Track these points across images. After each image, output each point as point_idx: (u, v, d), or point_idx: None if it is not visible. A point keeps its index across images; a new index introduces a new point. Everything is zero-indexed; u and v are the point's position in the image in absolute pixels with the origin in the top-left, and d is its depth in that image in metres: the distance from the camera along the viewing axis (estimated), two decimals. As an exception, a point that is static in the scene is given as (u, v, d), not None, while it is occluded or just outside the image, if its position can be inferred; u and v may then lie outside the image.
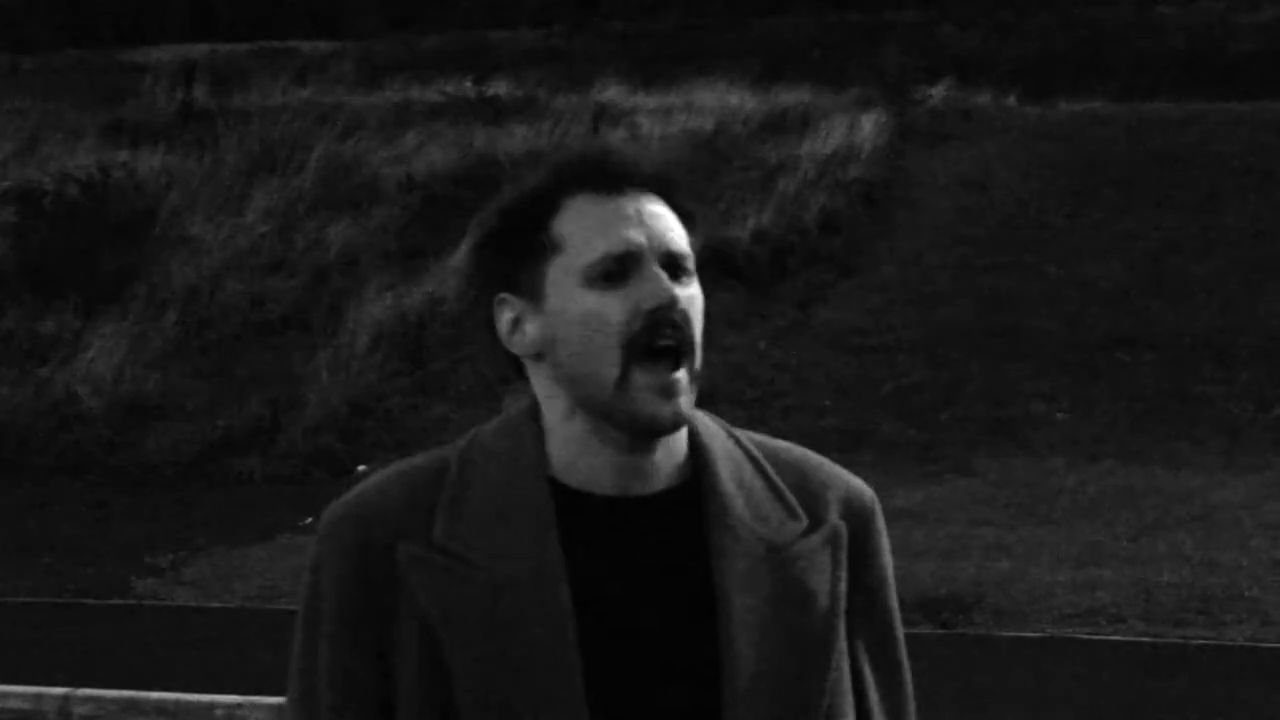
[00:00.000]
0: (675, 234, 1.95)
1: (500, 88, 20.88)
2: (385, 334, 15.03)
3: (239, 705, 7.70)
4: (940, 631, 8.86)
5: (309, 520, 12.00)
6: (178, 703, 7.80)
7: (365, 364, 14.67)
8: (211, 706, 7.74)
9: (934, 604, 9.22)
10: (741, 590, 1.92)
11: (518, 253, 1.97)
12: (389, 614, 1.91)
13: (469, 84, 20.77)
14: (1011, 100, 20.50)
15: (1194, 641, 8.83)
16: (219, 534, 11.77)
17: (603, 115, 19.07)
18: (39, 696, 7.90)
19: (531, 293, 1.96)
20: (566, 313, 1.93)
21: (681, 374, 1.92)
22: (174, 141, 19.00)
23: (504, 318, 1.99)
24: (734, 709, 1.90)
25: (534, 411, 1.99)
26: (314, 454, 13.70)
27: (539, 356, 1.97)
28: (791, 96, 19.83)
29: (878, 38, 26.26)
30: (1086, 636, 8.94)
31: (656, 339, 1.90)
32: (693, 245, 1.97)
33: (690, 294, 1.94)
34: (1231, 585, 9.61)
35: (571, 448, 1.95)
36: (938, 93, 19.99)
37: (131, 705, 7.79)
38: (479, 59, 24.24)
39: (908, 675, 2.09)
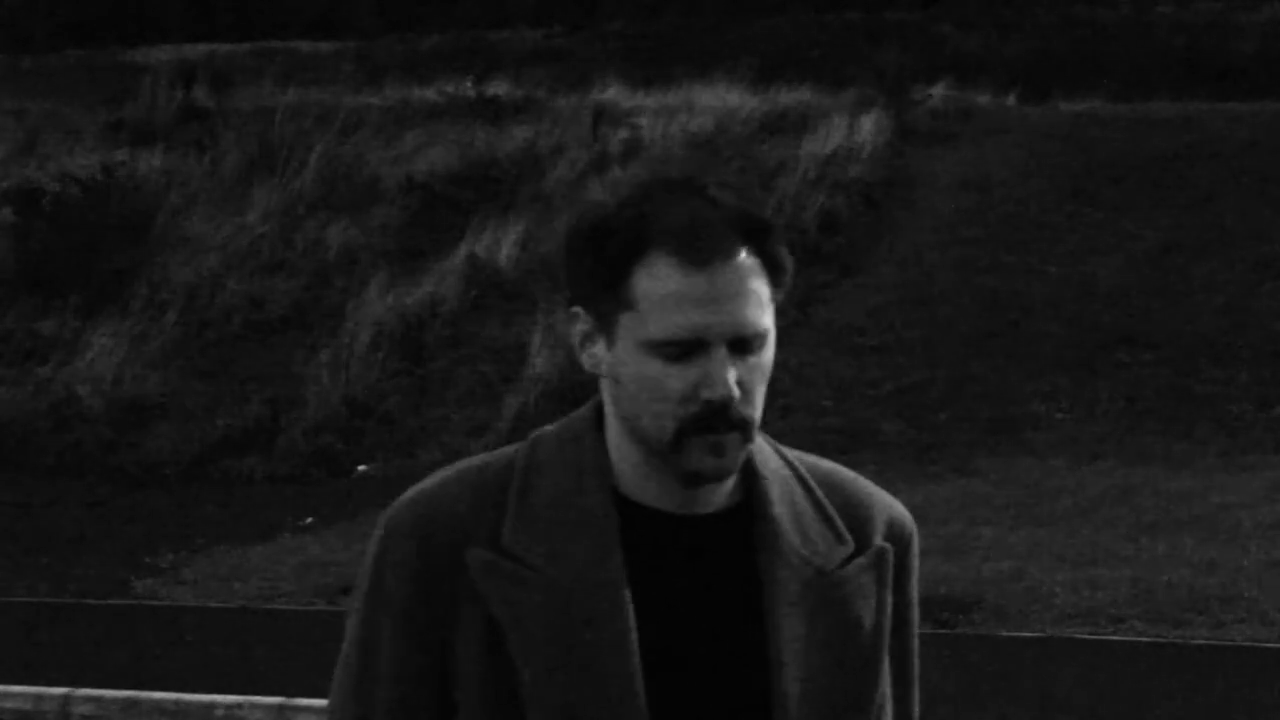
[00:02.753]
0: (750, 314, 1.92)
1: (500, 88, 20.89)
2: (385, 334, 15.03)
3: (239, 705, 7.71)
4: (940, 631, 8.86)
5: (309, 520, 12.01)
6: (178, 703, 7.81)
7: (365, 364, 14.67)
8: (211, 706, 7.75)
9: (934, 604, 9.21)
10: (790, 615, 1.97)
11: (597, 284, 1.95)
12: (453, 615, 1.93)
13: (469, 84, 20.78)
14: (1011, 100, 20.50)
15: (1194, 641, 8.83)
16: (219, 534, 11.76)
17: (603, 115, 19.08)
18: (39, 696, 7.90)
19: (603, 326, 1.96)
20: (629, 366, 1.94)
21: (734, 435, 1.94)
22: (174, 141, 19.00)
23: (577, 330, 2.00)
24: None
25: (597, 419, 2.02)
26: (314, 454, 13.70)
27: (605, 378, 2.00)
28: (791, 96, 19.83)
29: (878, 38, 26.27)
30: (1086, 636, 8.94)
31: (709, 430, 1.92)
32: (778, 296, 1.97)
33: (754, 364, 1.94)
34: (1231, 585, 9.61)
35: (632, 463, 1.98)
36: (938, 93, 19.99)
37: (131, 705, 7.80)
38: (479, 59, 24.23)
39: (918, 694, 2.16)
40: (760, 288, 1.94)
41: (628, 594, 1.92)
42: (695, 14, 29.15)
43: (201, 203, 17.46)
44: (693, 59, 23.01)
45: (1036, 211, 16.61)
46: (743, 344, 1.93)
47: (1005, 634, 8.98)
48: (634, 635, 1.91)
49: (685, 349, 1.91)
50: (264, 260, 16.66)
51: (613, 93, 20.78)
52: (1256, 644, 8.79)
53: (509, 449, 2.03)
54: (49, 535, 11.97)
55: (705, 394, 1.91)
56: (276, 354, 15.24)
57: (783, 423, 13.12)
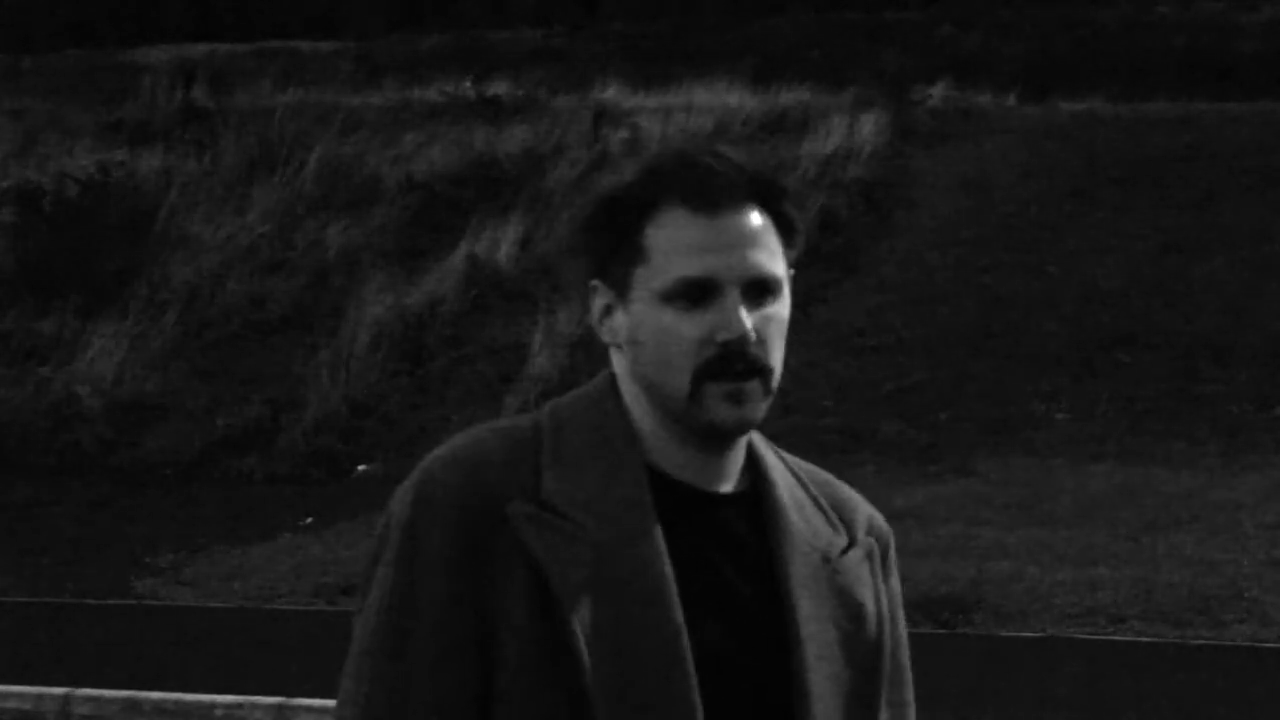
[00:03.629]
0: (762, 258, 1.95)
1: (500, 88, 20.90)
2: (385, 334, 15.03)
3: (239, 705, 7.71)
4: (940, 631, 8.86)
5: (309, 520, 12.01)
6: (178, 703, 7.81)
7: (365, 364, 14.67)
8: (211, 706, 7.75)
9: (934, 604, 9.22)
10: (803, 595, 2.00)
11: (611, 248, 1.99)
12: (495, 571, 1.92)
13: (469, 84, 20.79)
14: (1011, 100, 20.51)
15: (1194, 641, 8.83)
16: (219, 534, 11.76)
17: (603, 115, 19.08)
18: (39, 696, 7.90)
19: (619, 289, 1.99)
20: (645, 322, 1.96)
21: (753, 383, 1.95)
22: (173, 141, 19.00)
23: (596, 303, 2.02)
24: (806, 708, 1.97)
25: (614, 389, 2.03)
26: (314, 454, 13.70)
27: (622, 346, 2.01)
28: (791, 96, 19.84)
29: (878, 38, 26.29)
30: (1086, 636, 8.94)
31: (727, 370, 1.94)
32: (789, 255, 1.99)
33: (770, 314, 1.96)
34: (1231, 585, 9.61)
35: (653, 430, 2.00)
36: (937, 93, 20.00)
37: (131, 705, 7.80)
38: (479, 59, 24.25)
39: (910, 694, 2.16)
40: (771, 240, 1.97)
41: (665, 551, 1.93)
42: (695, 14, 29.16)
43: (201, 203, 17.46)
44: (693, 59, 23.03)
45: (1036, 211, 16.60)
46: (757, 289, 1.95)
47: (1005, 634, 8.98)
48: (674, 587, 1.92)
49: (699, 292, 1.93)
50: (264, 260, 16.66)
51: (613, 93, 20.79)
52: (1256, 644, 8.79)
53: (526, 415, 2.04)
54: (49, 535, 11.97)
55: (721, 335, 1.93)
56: (276, 354, 15.23)
57: (783, 423, 13.11)
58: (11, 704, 7.83)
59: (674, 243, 1.94)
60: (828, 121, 18.33)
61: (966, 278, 15.56)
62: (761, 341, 1.95)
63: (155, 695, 7.86)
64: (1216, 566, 9.97)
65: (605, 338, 2.02)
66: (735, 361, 1.93)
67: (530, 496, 1.93)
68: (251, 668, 8.45)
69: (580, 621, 1.89)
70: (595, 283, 2.01)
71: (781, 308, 1.98)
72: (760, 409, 1.97)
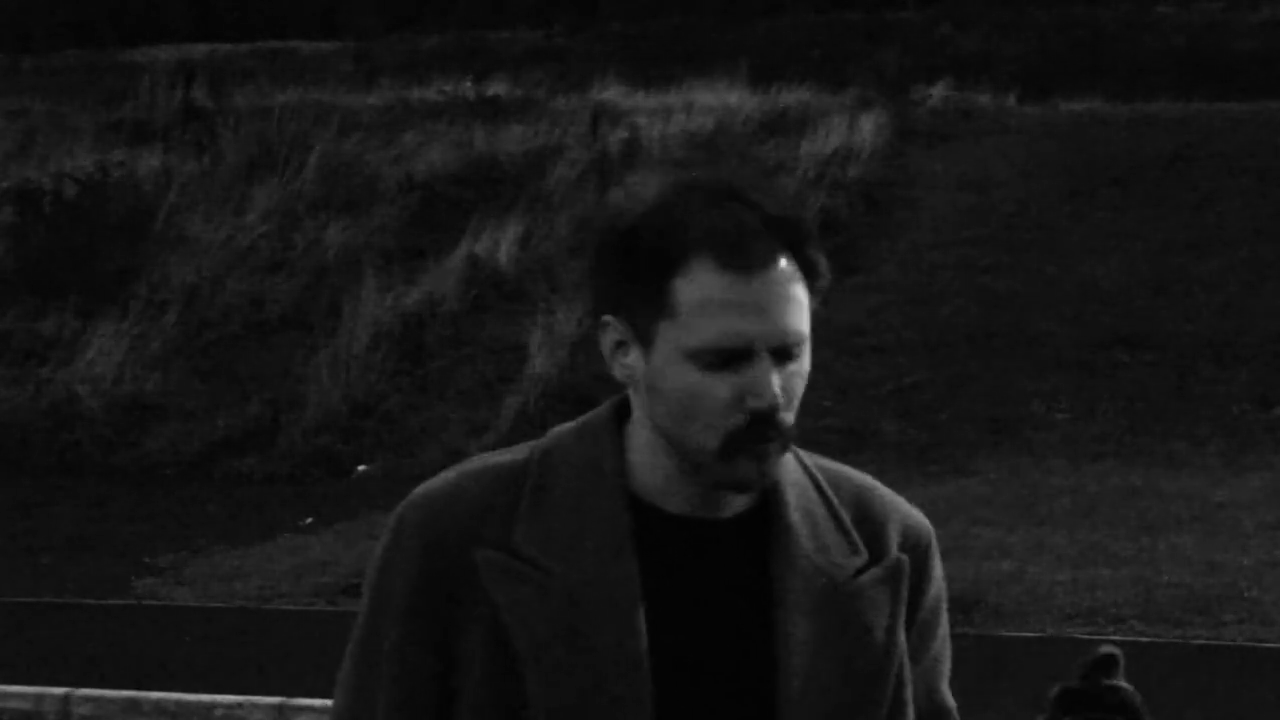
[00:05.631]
0: (792, 321, 1.91)
1: (500, 88, 20.89)
2: (385, 334, 15.03)
3: (239, 705, 7.71)
4: (940, 631, 8.85)
5: (309, 520, 12.01)
6: (178, 703, 7.81)
7: (365, 364, 14.67)
8: (211, 706, 7.75)
9: (934, 604, 9.22)
10: (800, 624, 1.95)
11: (634, 289, 1.92)
12: (457, 616, 1.92)
13: (468, 84, 20.78)
14: (1011, 100, 20.49)
15: (1194, 641, 8.83)
16: (219, 534, 11.76)
17: (603, 115, 19.07)
18: (39, 696, 7.90)
19: (639, 335, 1.93)
20: (670, 377, 1.91)
21: (777, 444, 1.93)
22: (173, 141, 18.99)
23: (608, 339, 1.96)
24: None
25: (616, 419, 1.99)
26: (314, 454, 13.70)
27: (640, 389, 1.96)
28: (791, 96, 19.82)
29: (878, 38, 26.27)
30: (1086, 636, 8.93)
31: (756, 438, 1.90)
32: (814, 301, 1.95)
33: (795, 369, 1.93)
34: (1231, 585, 9.61)
35: (652, 469, 1.96)
36: (937, 93, 20.00)
37: (131, 705, 7.80)
38: (479, 59, 24.25)
39: (951, 703, 2.12)
40: (800, 294, 1.93)
41: (639, 601, 1.91)
42: (695, 14, 29.13)
43: (201, 203, 17.46)
44: (693, 59, 23.01)
45: (1036, 211, 16.60)
46: (785, 351, 1.91)
47: (1005, 634, 8.98)
48: (644, 639, 1.89)
49: (729, 357, 1.89)
50: (264, 260, 16.66)
51: (612, 93, 20.77)
52: (1256, 644, 8.79)
53: (523, 447, 2.01)
54: (49, 535, 11.96)
55: (753, 403, 1.89)
56: (276, 354, 15.23)
57: (783, 423, 13.11)
58: (11, 704, 7.83)
59: (706, 303, 1.88)
60: (827, 121, 18.32)
61: (966, 278, 15.56)
62: (788, 400, 1.92)
63: (155, 695, 7.86)
64: (1216, 566, 9.97)
65: (619, 375, 1.97)
66: (765, 429, 1.90)
67: (501, 544, 1.92)
68: (251, 668, 8.45)
69: (537, 672, 1.88)
70: (608, 319, 1.95)
71: (805, 362, 1.95)
72: (779, 465, 1.95)
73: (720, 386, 1.89)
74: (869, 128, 18.04)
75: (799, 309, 1.92)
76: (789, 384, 1.92)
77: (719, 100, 19.83)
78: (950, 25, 27.63)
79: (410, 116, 19.56)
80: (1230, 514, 11.14)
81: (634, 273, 1.91)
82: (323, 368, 14.57)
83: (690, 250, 1.89)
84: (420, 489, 1.99)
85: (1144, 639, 8.87)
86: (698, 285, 1.88)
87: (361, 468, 13.55)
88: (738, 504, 1.98)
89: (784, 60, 22.64)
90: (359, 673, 1.99)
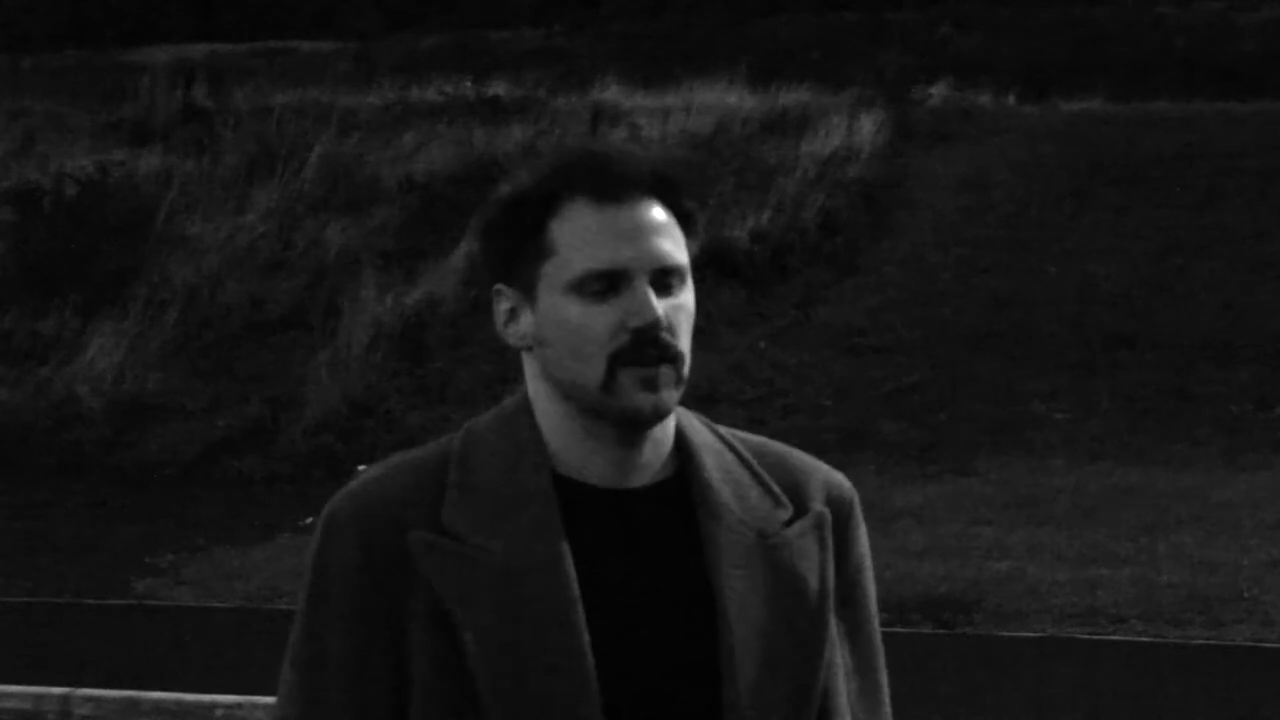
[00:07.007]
0: (668, 247, 1.96)
1: (500, 88, 20.87)
2: (385, 334, 15.03)
3: (239, 705, 7.71)
4: (940, 631, 8.86)
5: (309, 520, 12.00)
6: (178, 703, 7.80)
7: (365, 364, 14.67)
8: (212, 706, 7.74)
9: (934, 604, 9.22)
10: (734, 577, 1.97)
11: (515, 248, 1.98)
12: (400, 602, 1.93)
13: (468, 84, 20.76)
14: (1011, 100, 20.49)
15: (1194, 641, 8.83)
16: (219, 534, 11.76)
17: (602, 115, 19.07)
18: (39, 696, 7.90)
19: (525, 289, 1.98)
20: (554, 316, 1.95)
21: (665, 368, 1.94)
22: (173, 141, 18.99)
23: (500, 308, 2.02)
24: (734, 691, 1.94)
25: (527, 404, 2.02)
26: (314, 454, 13.70)
27: (531, 348, 2.00)
28: (791, 96, 19.81)
29: (877, 38, 26.27)
30: (1086, 636, 8.94)
31: (640, 357, 1.93)
32: (691, 247, 1.99)
33: (678, 303, 1.96)
34: (1231, 585, 9.61)
35: (565, 438, 1.99)
36: (937, 93, 19.99)
37: (131, 705, 7.80)
38: (479, 59, 24.24)
39: (882, 661, 2.13)
40: (675, 231, 1.97)
41: (571, 567, 1.92)
42: (695, 14, 29.14)
43: (201, 203, 17.46)
44: (693, 59, 23.00)
45: (1036, 211, 16.60)
46: (664, 278, 1.95)
47: (1005, 634, 8.98)
48: (579, 607, 1.91)
49: (608, 283, 1.93)
50: (264, 260, 16.66)
51: (613, 92, 20.76)
52: (1256, 644, 8.79)
53: (442, 440, 2.04)
54: (49, 535, 11.97)
55: (633, 322, 1.92)
56: (276, 354, 15.24)
57: (783, 423, 13.12)
58: (11, 704, 7.83)
59: (580, 234, 1.93)
60: (827, 121, 18.32)
61: (966, 278, 15.56)
62: (672, 328, 1.94)
63: (155, 695, 7.85)
64: (1216, 566, 9.98)
65: (512, 341, 2.01)
66: (648, 347, 1.92)
67: (431, 525, 1.93)
68: (251, 668, 8.44)
69: (479, 646, 1.89)
70: (499, 286, 2.00)
71: (688, 296, 1.98)
72: (674, 396, 1.96)
73: (603, 315, 1.93)
74: (869, 128, 18.04)
75: (675, 242, 1.97)
76: (673, 313, 1.95)
77: (719, 100, 19.83)
78: (950, 25, 27.64)
79: (410, 116, 19.56)
80: (1230, 514, 11.14)
81: (514, 230, 1.98)
82: (322, 368, 14.57)
83: (563, 191, 1.96)
84: (343, 490, 2.01)
85: (1144, 639, 8.87)
86: (572, 220, 1.95)
87: (361, 468, 13.49)
88: (653, 471, 1.99)
89: (784, 60, 22.65)
90: (306, 680, 1.99)
